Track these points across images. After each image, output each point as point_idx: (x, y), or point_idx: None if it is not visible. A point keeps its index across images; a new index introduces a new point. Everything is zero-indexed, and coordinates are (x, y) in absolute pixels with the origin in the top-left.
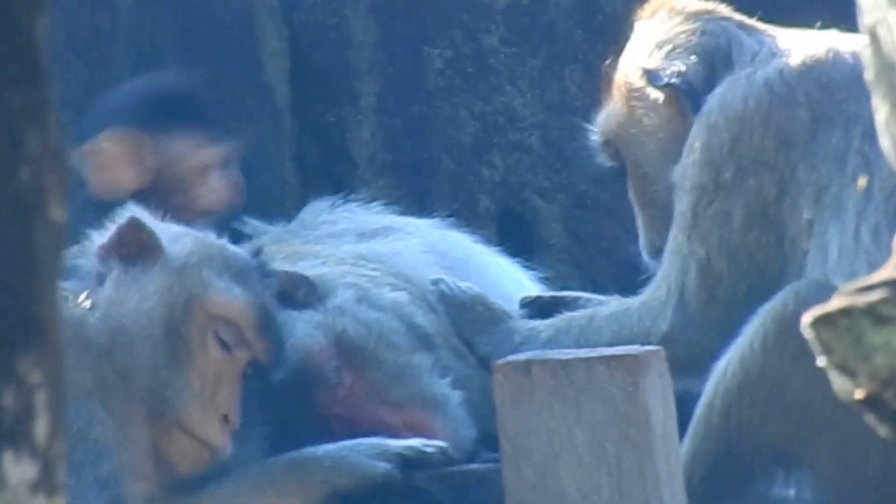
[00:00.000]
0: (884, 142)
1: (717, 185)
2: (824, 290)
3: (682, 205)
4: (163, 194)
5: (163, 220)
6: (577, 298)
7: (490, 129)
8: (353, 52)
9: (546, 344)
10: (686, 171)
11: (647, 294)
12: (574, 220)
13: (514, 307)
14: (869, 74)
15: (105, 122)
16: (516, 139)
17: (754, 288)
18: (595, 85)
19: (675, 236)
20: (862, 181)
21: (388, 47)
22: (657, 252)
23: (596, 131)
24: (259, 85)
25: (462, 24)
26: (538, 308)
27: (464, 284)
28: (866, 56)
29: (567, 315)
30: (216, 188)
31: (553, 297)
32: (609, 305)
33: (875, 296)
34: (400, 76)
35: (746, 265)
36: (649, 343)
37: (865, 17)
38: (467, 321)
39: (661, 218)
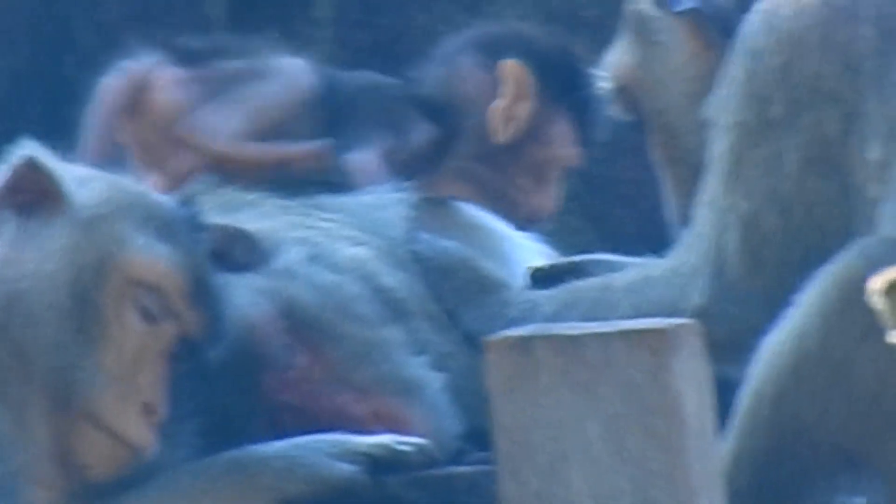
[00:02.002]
0: None
1: (764, 122)
2: None
3: (719, 146)
4: (498, 168)
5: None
6: (595, 262)
7: None
8: None
9: (548, 320)
10: (724, 105)
11: (676, 258)
12: (585, 160)
13: (508, 273)
14: None
15: (513, 51)
16: None
17: (812, 250)
18: None
19: (711, 186)
20: None
21: None
22: (689, 219)
23: (605, 77)
24: None
25: None
26: (550, 280)
27: (447, 243)
28: None
29: (575, 285)
30: (550, 196)
31: (571, 265)
32: (627, 273)
33: None
34: None
35: (802, 221)
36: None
37: None
38: (451, 290)
39: (694, 177)
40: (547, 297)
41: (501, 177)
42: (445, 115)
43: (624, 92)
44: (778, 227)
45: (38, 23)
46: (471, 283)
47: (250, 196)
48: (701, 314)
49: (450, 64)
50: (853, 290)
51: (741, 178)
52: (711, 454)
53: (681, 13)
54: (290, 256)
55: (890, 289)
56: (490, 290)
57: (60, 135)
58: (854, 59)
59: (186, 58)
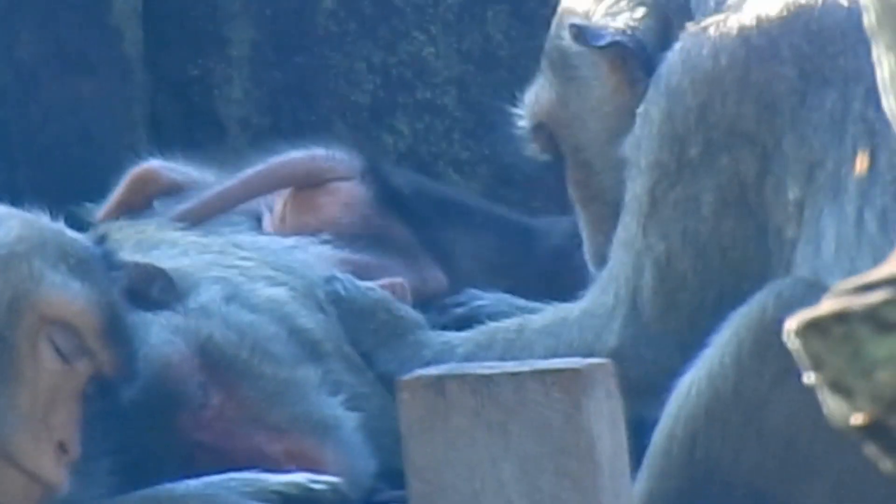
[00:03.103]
0: (888, 101)
1: (681, 163)
2: (814, 291)
3: (636, 187)
4: None
5: None
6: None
7: (394, 85)
8: None
9: (463, 362)
10: (641, 145)
11: (591, 300)
12: (499, 199)
13: (423, 316)
14: (870, 19)
15: None
16: (427, 98)
17: (727, 293)
18: (525, 31)
19: (627, 226)
20: (862, 160)
21: None
22: (606, 260)
23: (523, 115)
24: (103, 27)
25: None
26: (457, 319)
27: (364, 285)
28: None
29: (490, 326)
30: None
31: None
32: (543, 314)
33: (877, 297)
34: (280, 19)
35: (718, 264)
36: None
37: None
38: (367, 331)
39: (611, 216)
40: (462, 338)
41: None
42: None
43: (542, 129)
44: (693, 270)
45: None
46: (387, 325)
47: (168, 234)
48: (615, 356)
49: None
50: (767, 333)
51: (657, 219)
52: (625, 495)
53: (603, 48)
54: (207, 295)
55: (804, 330)
56: (406, 331)
57: None
58: (771, 99)
59: (376, 188)
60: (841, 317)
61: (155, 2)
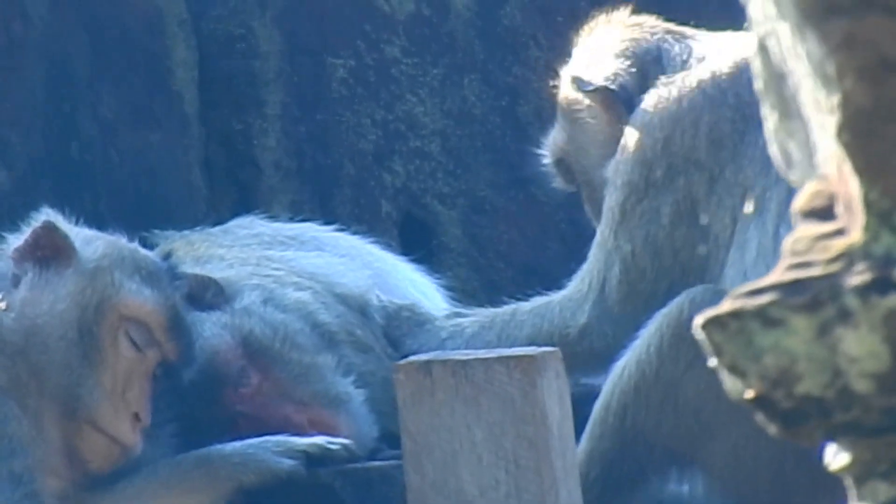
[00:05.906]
0: (772, 149)
1: (647, 182)
2: (719, 296)
3: (611, 200)
4: None
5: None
6: None
7: (391, 136)
8: (260, 61)
9: (470, 338)
10: (619, 167)
11: (570, 288)
12: (473, 224)
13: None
14: (759, 84)
15: None
16: (417, 146)
17: (675, 285)
18: (493, 94)
19: (602, 231)
20: (749, 206)
21: (293, 57)
22: None
23: (546, 154)
24: (168, 92)
25: (364, 34)
26: None
27: (391, 298)
28: (756, 66)
29: (491, 311)
30: None
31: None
32: (532, 301)
33: (764, 299)
34: (304, 85)
35: (670, 262)
36: (568, 335)
37: (756, 29)
38: (395, 326)
39: None
40: (469, 321)
41: None
42: None
43: (561, 163)
44: (651, 266)
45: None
46: (410, 319)
47: (216, 251)
48: (585, 331)
49: None
50: (682, 328)
51: (626, 225)
52: (570, 454)
53: (593, 91)
54: (248, 299)
55: (708, 325)
56: (425, 322)
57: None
58: (718, 136)
59: None
60: (736, 314)
61: (208, 72)
